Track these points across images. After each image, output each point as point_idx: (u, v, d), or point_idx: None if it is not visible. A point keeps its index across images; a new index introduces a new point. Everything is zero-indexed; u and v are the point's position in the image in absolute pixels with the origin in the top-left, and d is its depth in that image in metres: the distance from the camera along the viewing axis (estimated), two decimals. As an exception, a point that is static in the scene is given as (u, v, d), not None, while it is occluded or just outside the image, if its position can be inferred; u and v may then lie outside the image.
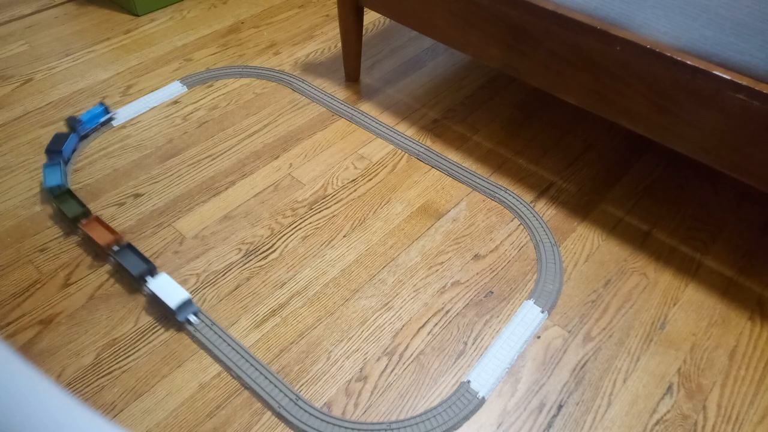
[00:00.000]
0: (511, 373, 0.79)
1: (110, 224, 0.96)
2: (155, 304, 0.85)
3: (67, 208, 0.95)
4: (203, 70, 1.31)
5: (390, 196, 1.03)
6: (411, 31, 1.46)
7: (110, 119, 1.16)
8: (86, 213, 0.95)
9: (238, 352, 0.79)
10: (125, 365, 0.78)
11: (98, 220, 0.93)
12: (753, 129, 0.73)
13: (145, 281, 0.85)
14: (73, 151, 1.10)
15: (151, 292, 0.83)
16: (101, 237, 0.90)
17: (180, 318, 0.82)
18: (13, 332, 0.82)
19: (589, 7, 0.81)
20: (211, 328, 0.82)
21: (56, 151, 1.05)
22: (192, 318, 0.83)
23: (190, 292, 0.87)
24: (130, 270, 0.85)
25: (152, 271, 0.87)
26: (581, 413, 0.75)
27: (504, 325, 0.84)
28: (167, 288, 0.83)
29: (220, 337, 0.81)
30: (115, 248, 0.88)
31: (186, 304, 0.83)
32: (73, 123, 1.10)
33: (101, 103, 1.15)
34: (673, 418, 0.75)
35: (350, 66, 1.26)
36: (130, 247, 0.89)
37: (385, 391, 0.77)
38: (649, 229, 0.98)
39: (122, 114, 1.18)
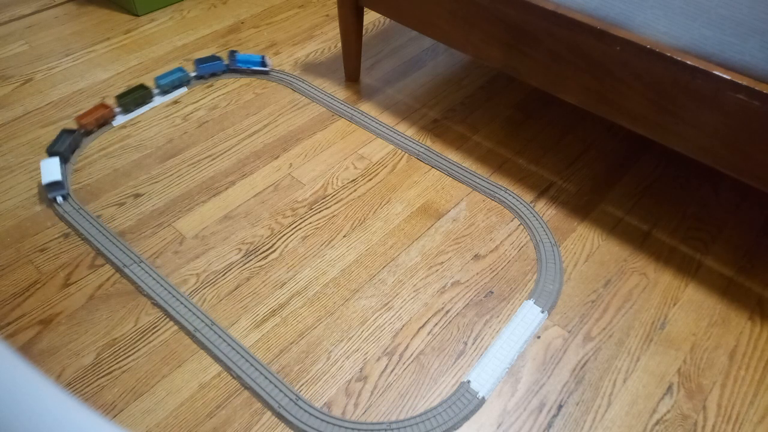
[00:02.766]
0: (511, 373, 0.79)
1: (109, 225, 0.96)
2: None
3: (124, 94, 1.17)
4: (203, 70, 1.31)
5: (390, 196, 1.03)
6: (411, 31, 1.46)
7: (264, 71, 1.28)
8: (124, 105, 1.17)
9: (238, 352, 0.79)
10: (125, 365, 0.78)
11: (100, 110, 1.13)
12: (753, 129, 0.73)
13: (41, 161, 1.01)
14: (212, 74, 1.28)
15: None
16: (79, 115, 1.12)
17: (49, 195, 0.96)
18: (13, 332, 0.82)
19: (589, 7, 0.81)
20: (210, 328, 0.82)
21: (199, 66, 1.26)
22: (59, 199, 0.96)
23: (190, 293, 0.87)
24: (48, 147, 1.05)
25: (61, 156, 1.03)
26: (581, 413, 0.75)
27: (504, 325, 0.84)
28: (50, 169, 0.98)
29: (220, 337, 0.81)
30: (66, 129, 1.08)
31: (56, 185, 0.97)
32: (231, 55, 1.28)
33: (263, 55, 1.26)
34: (673, 418, 0.75)
35: (350, 66, 1.26)
36: (71, 133, 1.07)
37: (385, 391, 0.77)
38: (649, 229, 0.98)
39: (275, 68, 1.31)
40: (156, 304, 0.85)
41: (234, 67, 1.28)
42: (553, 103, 1.24)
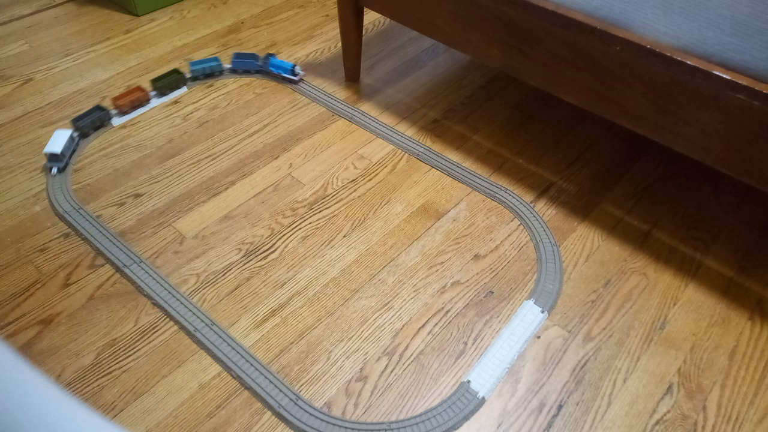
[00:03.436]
0: (511, 373, 0.79)
1: (109, 225, 0.96)
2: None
3: (159, 78, 1.22)
4: (203, 70, 1.31)
5: (390, 196, 1.03)
6: (411, 31, 1.46)
7: (294, 80, 1.27)
8: (159, 88, 1.21)
9: (238, 352, 0.79)
10: (125, 365, 0.78)
11: (136, 92, 1.17)
12: (753, 129, 0.73)
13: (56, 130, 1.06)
14: (244, 71, 1.30)
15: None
16: (115, 96, 1.17)
17: (46, 164, 1.02)
18: (13, 332, 0.82)
19: (589, 7, 0.81)
20: (210, 328, 0.82)
21: (235, 59, 1.28)
22: (54, 170, 1.01)
23: (190, 293, 0.87)
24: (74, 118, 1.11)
25: (81, 131, 1.08)
26: (581, 413, 0.75)
27: (504, 325, 0.84)
28: (58, 140, 1.03)
29: (220, 337, 0.81)
30: (99, 105, 1.13)
31: (55, 157, 1.01)
32: (266, 57, 1.29)
33: (294, 64, 1.27)
34: (673, 418, 0.75)
35: (350, 66, 1.26)
36: (102, 110, 1.12)
37: (385, 391, 0.77)
38: (649, 229, 0.98)
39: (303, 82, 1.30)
40: (156, 304, 0.85)
41: (266, 69, 1.28)
42: (553, 103, 1.24)
